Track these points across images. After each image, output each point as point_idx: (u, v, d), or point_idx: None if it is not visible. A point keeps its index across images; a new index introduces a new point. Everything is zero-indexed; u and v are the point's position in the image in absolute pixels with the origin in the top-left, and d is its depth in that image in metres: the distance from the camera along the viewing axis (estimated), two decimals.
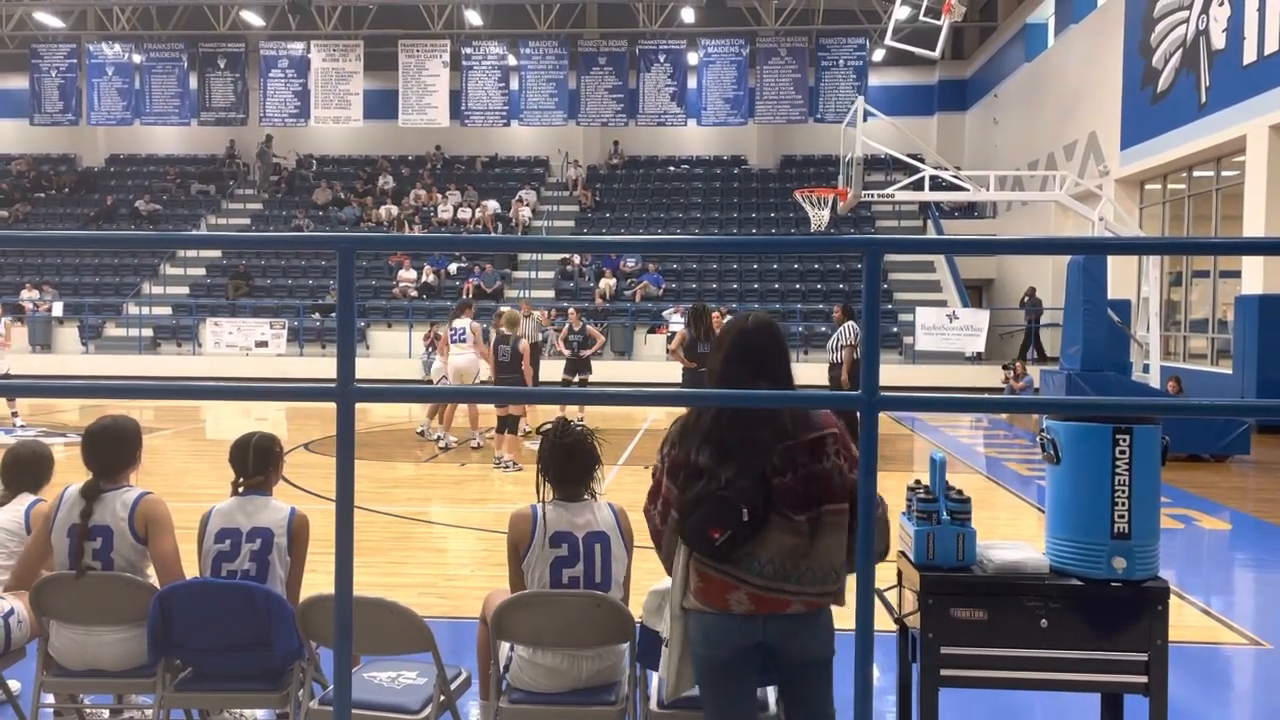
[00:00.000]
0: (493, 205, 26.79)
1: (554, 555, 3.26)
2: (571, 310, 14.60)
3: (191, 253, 26.71)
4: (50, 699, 3.64)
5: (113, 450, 3.58)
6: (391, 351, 22.42)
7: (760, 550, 2.62)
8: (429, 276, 24.75)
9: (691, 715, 2.98)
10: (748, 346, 2.77)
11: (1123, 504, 2.75)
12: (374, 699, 3.22)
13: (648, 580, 3.23)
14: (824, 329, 19.55)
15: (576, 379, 13.34)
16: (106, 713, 3.90)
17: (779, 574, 2.62)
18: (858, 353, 11.66)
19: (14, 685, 3.71)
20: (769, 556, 2.62)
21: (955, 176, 15.79)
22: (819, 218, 17.28)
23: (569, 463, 3.35)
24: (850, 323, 12.25)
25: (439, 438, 12.19)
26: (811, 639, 2.68)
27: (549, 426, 3.45)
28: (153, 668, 3.35)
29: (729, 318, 16.09)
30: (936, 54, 16.70)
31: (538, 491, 3.36)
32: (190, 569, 3.54)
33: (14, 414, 13.38)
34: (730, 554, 2.63)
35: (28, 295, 24.18)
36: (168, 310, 24.72)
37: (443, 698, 3.25)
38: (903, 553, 3.02)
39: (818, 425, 2.68)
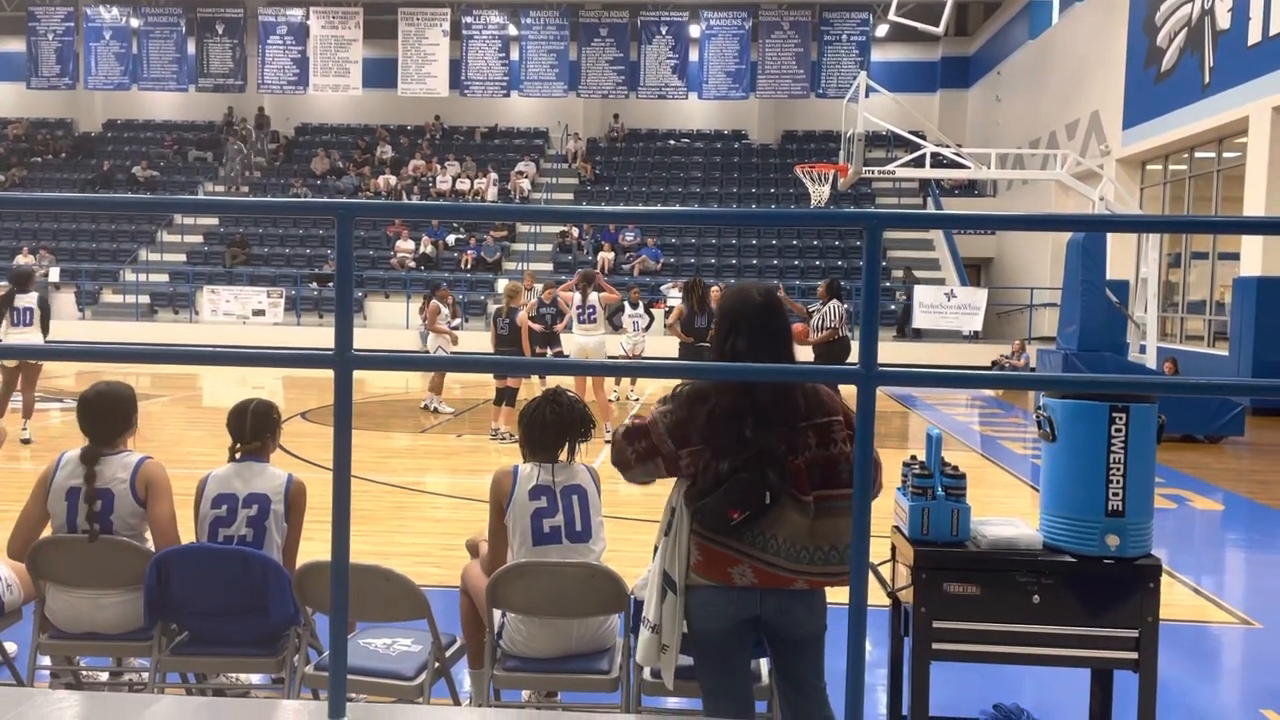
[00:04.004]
0: (491, 192, 26.48)
1: (534, 507, 3.35)
2: (549, 285, 13.82)
3: (189, 220, 26.60)
4: (47, 661, 3.66)
5: (109, 416, 3.57)
6: (389, 322, 22.39)
7: (769, 528, 2.63)
8: (427, 247, 24.68)
9: (683, 685, 3.00)
10: (763, 314, 2.73)
11: (1117, 482, 2.76)
12: (369, 665, 3.25)
13: (644, 555, 3.24)
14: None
15: (550, 352, 12.73)
16: (103, 675, 3.91)
17: (788, 553, 2.64)
18: (839, 334, 11.41)
19: (10, 647, 3.72)
20: (777, 534, 2.63)
21: (956, 154, 15.72)
22: (819, 194, 17.20)
23: (547, 433, 3.46)
24: (835, 301, 11.51)
25: (435, 408, 12.40)
26: (807, 615, 2.70)
27: (538, 396, 3.55)
28: (149, 632, 3.37)
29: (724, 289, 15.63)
30: (940, 30, 16.58)
31: (522, 454, 3.53)
32: (187, 534, 3.54)
33: None
34: (742, 532, 2.64)
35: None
36: (165, 277, 24.65)
37: (437, 665, 3.28)
38: (897, 527, 3.03)
39: (828, 409, 2.69)
